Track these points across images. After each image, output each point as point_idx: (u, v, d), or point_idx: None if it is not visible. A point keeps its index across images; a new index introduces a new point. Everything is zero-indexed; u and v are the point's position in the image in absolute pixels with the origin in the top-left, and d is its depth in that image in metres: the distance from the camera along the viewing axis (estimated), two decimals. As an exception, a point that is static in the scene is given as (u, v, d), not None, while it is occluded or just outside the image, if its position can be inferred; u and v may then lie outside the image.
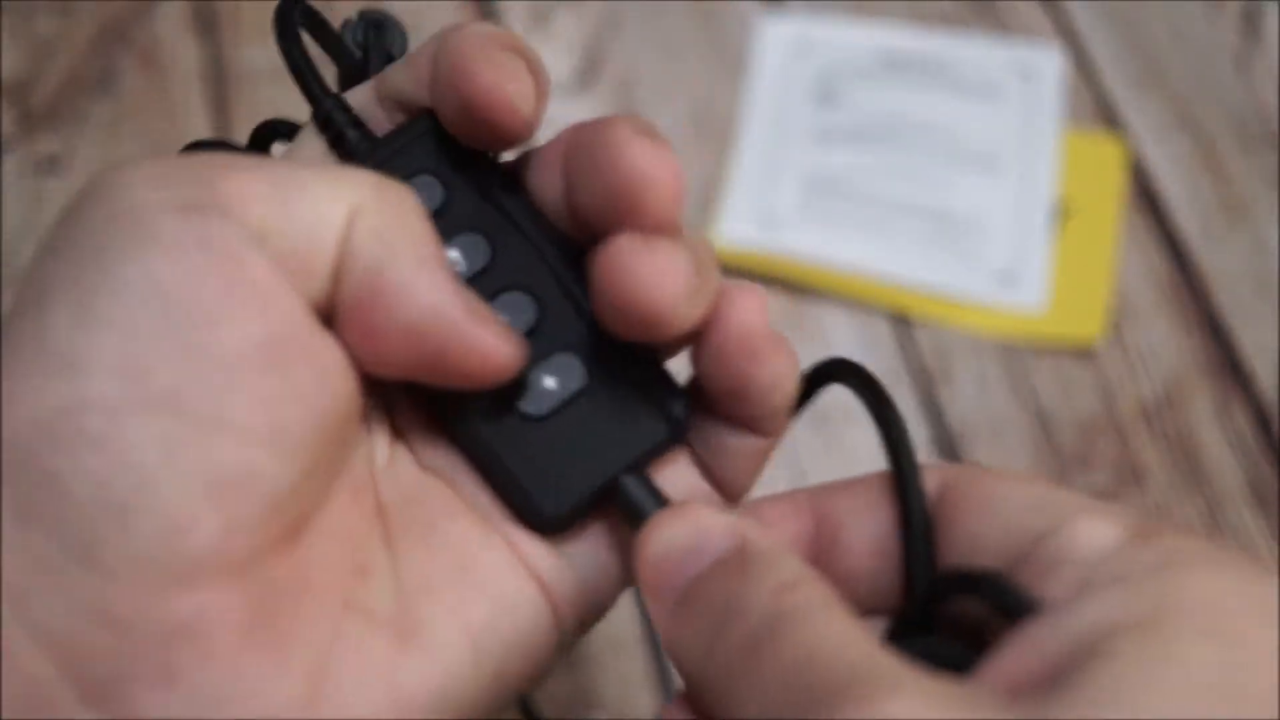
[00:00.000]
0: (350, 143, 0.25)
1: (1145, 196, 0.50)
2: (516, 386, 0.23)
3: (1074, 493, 0.21)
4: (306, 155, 0.25)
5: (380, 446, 0.24)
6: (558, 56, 0.52)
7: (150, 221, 0.19)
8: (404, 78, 0.25)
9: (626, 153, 0.22)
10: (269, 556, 0.20)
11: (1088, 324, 0.47)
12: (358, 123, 0.25)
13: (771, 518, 0.23)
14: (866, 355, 0.46)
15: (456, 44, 0.24)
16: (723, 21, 0.53)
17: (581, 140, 0.23)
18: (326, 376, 0.21)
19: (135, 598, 0.18)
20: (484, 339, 0.21)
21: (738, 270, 0.47)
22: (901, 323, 0.47)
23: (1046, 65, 0.53)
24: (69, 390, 0.18)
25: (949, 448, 0.45)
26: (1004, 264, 0.48)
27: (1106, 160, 0.51)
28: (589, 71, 0.52)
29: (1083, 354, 0.47)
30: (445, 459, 0.24)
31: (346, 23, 0.28)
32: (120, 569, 0.18)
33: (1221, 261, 0.48)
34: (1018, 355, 0.47)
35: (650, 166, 0.21)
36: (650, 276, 0.21)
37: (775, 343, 0.23)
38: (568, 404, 0.23)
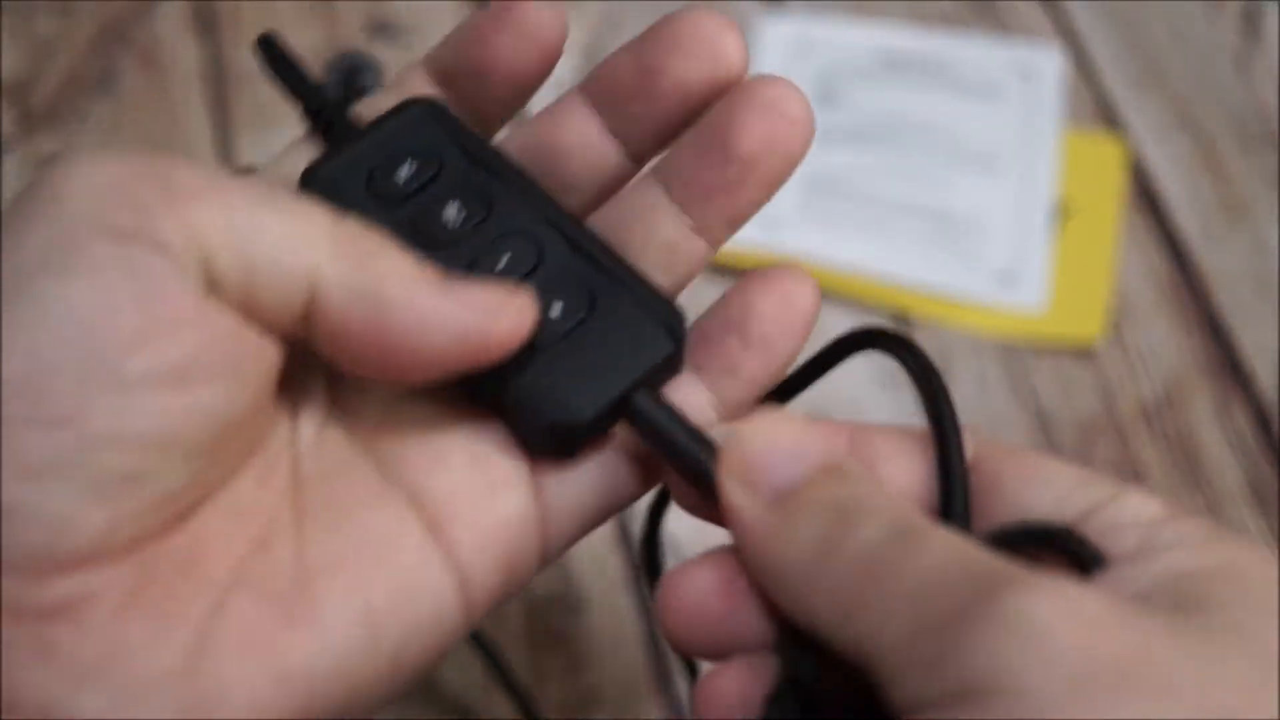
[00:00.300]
0: (339, 128, 0.26)
1: (1145, 196, 0.50)
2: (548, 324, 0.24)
3: (1106, 475, 0.22)
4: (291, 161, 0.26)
5: (311, 421, 0.24)
6: (558, 56, 0.52)
7: (81, 246, 0.20)
8: (446, 52, 0.27)
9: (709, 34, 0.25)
10: (158, 538, 0.21)
11: (1088, 324, 0.47)
12: (343, 111, 0.26)
13: (821, 440, 0.23)
14: (866, 355, 0.46)
15: (472, 15, 0.26)
16: (723, 21, 0.53)
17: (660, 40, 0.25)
18: (241, 389, 0.21)
19: (18, 586, 0.19)
20: (500, 327, 0.22)
21: (738, 271, 0.46)
22: (901, 323, 0.47)
23: (1046, 65, 0.53)
24: None
25: (949, 448, 0.45)
26: (1004, 264, 0.48)
27: (1106, 160, 0.51)
28: (589, 71, 0.52)
29: (1083, 354, 0.47)
30: (385, 434, 0.24)
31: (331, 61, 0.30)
32: (9, 563, 0.19)
33: (1221, 261, 0.48)
34: (1018, 355, 0.47)
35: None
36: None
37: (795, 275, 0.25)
38: (573, 331, 0.24)
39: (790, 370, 0.26)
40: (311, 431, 0.24)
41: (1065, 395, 0.46)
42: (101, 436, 0.20)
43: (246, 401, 0.22)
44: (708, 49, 0.25)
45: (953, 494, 0.22)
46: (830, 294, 0.47)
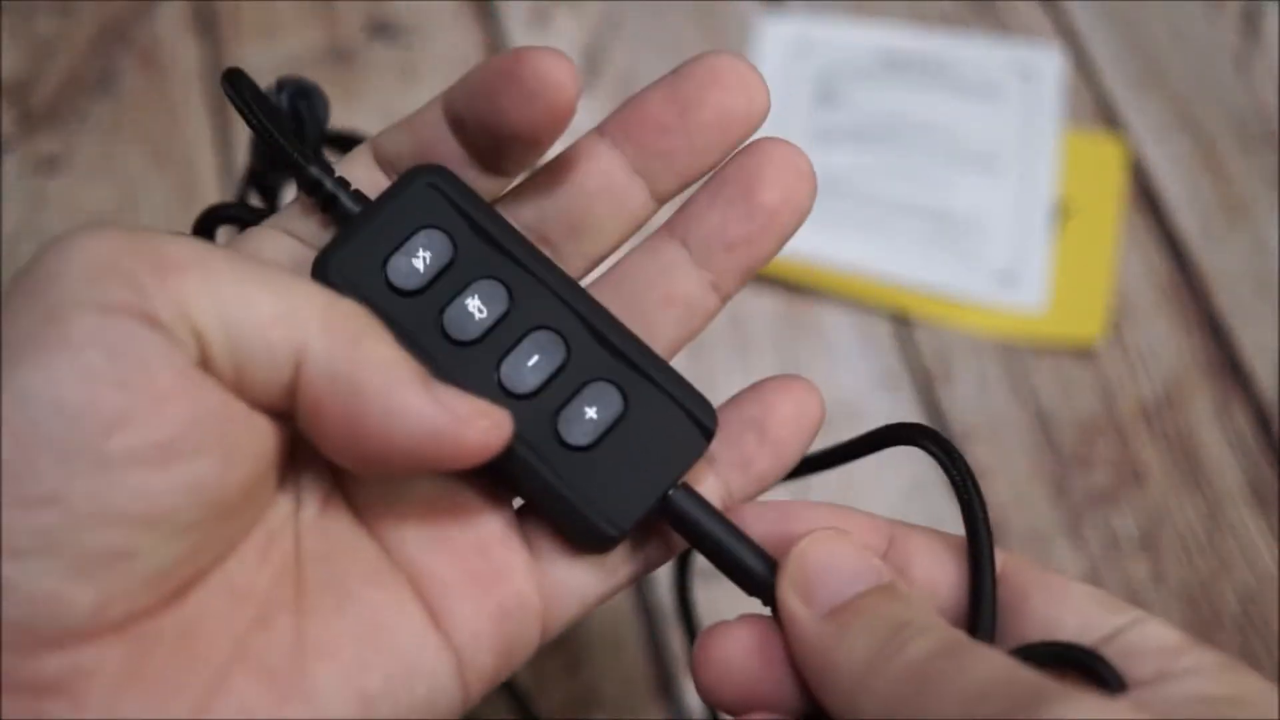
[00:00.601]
0: (343, 205, 0.25)
1: (1145, 196, 0.50)
2: (558, 419, 0.24)
3: (1124, 600, 0.24)
4: (288, 230, 0.25)
5: (313, 498, 0.24)
6: (558, 56, 0.52)
7: (67, 322, 0.20)
8: (404, 139, 0.26)
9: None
10: (153, 614, 0.21)
11: (1088, 324, 0.47)
12: (345, 183, 0.25)
13: (853, 526, 0.25)
14: (866, 355, 0.46)
15: (485, 61, 0.25)
16: (723, 21, 0.53)
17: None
18: (232, 464, 0.21)
19: (11, 661, 0.19)
20: (471, 436, 0.22)
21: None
22: (901, 323, 0.47)
23: (1046, 65, 0.53)
24: None
25: (949, 448, 0.45)
26: (1004, 264, 0.48)
27: (1106, 160, 0.51)
28: (589, 71, 0.52)
29: (1083, 354, 0.47)
30: (388, 514, 0.24)
31: (270, 90, 0.28)
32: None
33: (1221, 261, 0.48)
34: (1018, 355, 0.47)
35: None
36: None
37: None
38: (609, 430, 0.24)
39: (826, 449, 0.28)
40: (314, 508, 0.24)
41: (1065, 395, 0.46)
42: (86, 515, 0.20)
43: (240, 478, 0.21)
44: (743, 86, 0.25)
45: (982, 607, 0.24)
46: (830, 294, 0.47)
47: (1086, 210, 0.50)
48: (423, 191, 0.25)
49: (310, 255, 0.25)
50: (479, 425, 0.22)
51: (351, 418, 0.22)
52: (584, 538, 0.24)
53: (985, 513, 0.25)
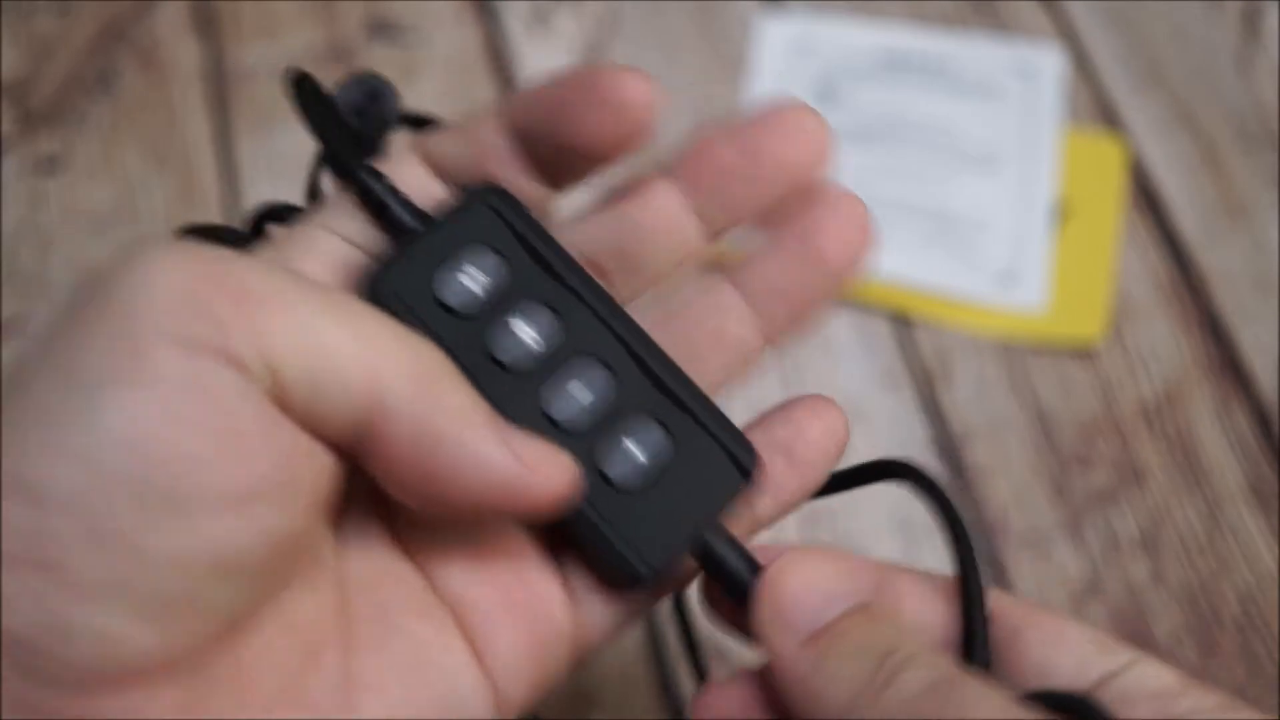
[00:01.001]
0: (398, 219, 0.24)
1: (1145, 196, 0.50)
2: (600, 453, 0.24)
3: (1119, 640, 0.24)
4: (340, 232, 0.25)
5: (358, 528, 0.24)
6: (558, 56, 0.52)
7: (148, 356, 0.19)
8: (458, 145, 0.25)
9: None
10: (208, 655, 0.20)
11: (1088, 324, 0.47)
12: (400, 195, 0.25)
13: (848, 577, 0.24)
14: (866, 355, 0.46)
15: (560, 75, 0.25)
16: (723, 21, 0.53)
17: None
18: (300, 506, 0.21)
19: (68, 700, 0.19)
20: (543, 486, 0.22)
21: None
22: (901, 323, 0.47)
23: (1046, 65, 0.53)
24: (25, 516, 0.19)
25: (949, 448, 0.45)
26: (1004, 264, 0.48)
27: (1106, 160, 0.51)
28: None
29: (1083, 354, 0.47)
30: (431, 544, 0.24)
31: (339, 86, 0.28)
32: (56, 677, 0.19)
33: (1222, 261, 0.48)
34: (1018, 355, 0.47)
35: None
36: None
37: None
38: (651, 467, 0.24)
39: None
40: (359, 537, 0.24)
41: (1065, 395, 0.46)
42: (158, 559, 0.19)
43: (305, 518, 0.21)
44: (811, 137, 0.26)
45: (974, 643, 0.23)
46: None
47: (1086, 210, 0.50)
48: (483, 213, 0.25)
49: (356, 256, 0.25)
50: (550, 475, 0.22)
51: (424, 462, 0.21)
52: (617, 575, 0.24)
53: (972, 550, 0.24)
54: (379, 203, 0.24)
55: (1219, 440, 0.45)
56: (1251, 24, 0.54)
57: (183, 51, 0.52)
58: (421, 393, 0.21)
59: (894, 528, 0.43)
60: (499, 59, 0.52)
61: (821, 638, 0.22)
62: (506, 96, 0.25)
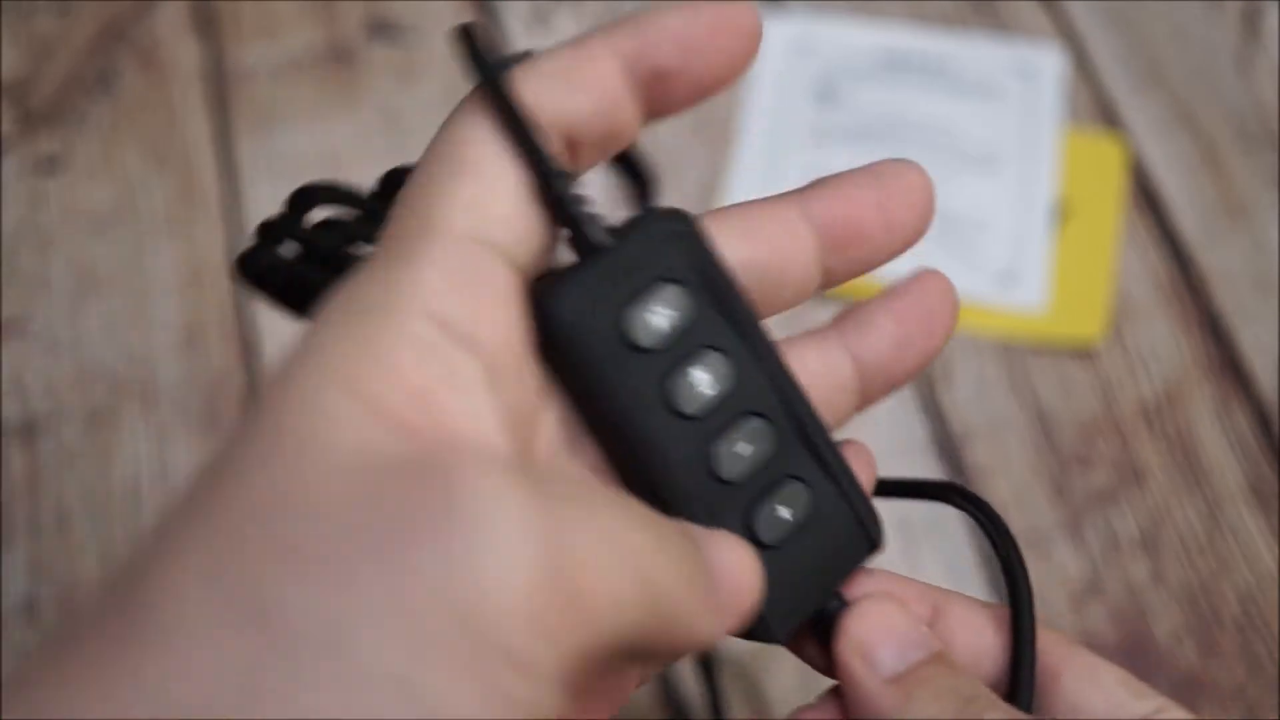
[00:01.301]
0: (589, 238, 0.23)
1: (1145, 196, 0.50)
2: (753, 512, 0.24)
3: (1147, 685, 0.25)
4: (498, 211, 0.22)
5: None
6: (558, 56, 0.52)
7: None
8: (575, 96, 0.23)
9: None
10: None
11: (1088, 324, 0.47)
12: (589, 207, 0.23)
13: (903, 594, 0.26)
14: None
15: (675, 12, 0.24)
16: (723, 21, 0.53)
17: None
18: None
19: None
20: (740, 610, 0.22)
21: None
22: (902, 323, 0.47)
23: (1046, 65, 0.53)
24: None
25: (949, 448, 0.45)
26: (1004, 264, 0.48)
27: (1106, 160, 0.51)
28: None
29: (1083, 354, 0.47)
30: None
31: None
32: None
33: (1222, 261, 0.48)
34: (1018, 355, 0.47)
35: None
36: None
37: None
38: (794, 529, 0.25)
39: (881, 479, 0.28)
40: None
41: (1065, 395, 0.46)
42: None
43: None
44: (930, 206, 0.28)
45: (1021, 688, 0.24)
46: (831, 294, 0.47)
47: (1086, 210, 0.50)
48: (667, 238, 0.24)
49: (488, 255, 0.22)
50: (747, 600, 0.22)
51: (656, 642, 0.21)
52: (752, 634, 0.24)
53: (1029, 587, 0.25)
54: (570, 218, 0.23)
55: (1219, 440, 0.45)
56: (1252, 24, 0.54)
57: (183, 51, 0.52)
58: (665, 603, 0.20)
59: (894, 528, 0.43)
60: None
61: (907, 680, 0.24)
62: (617, 25, 0.23)
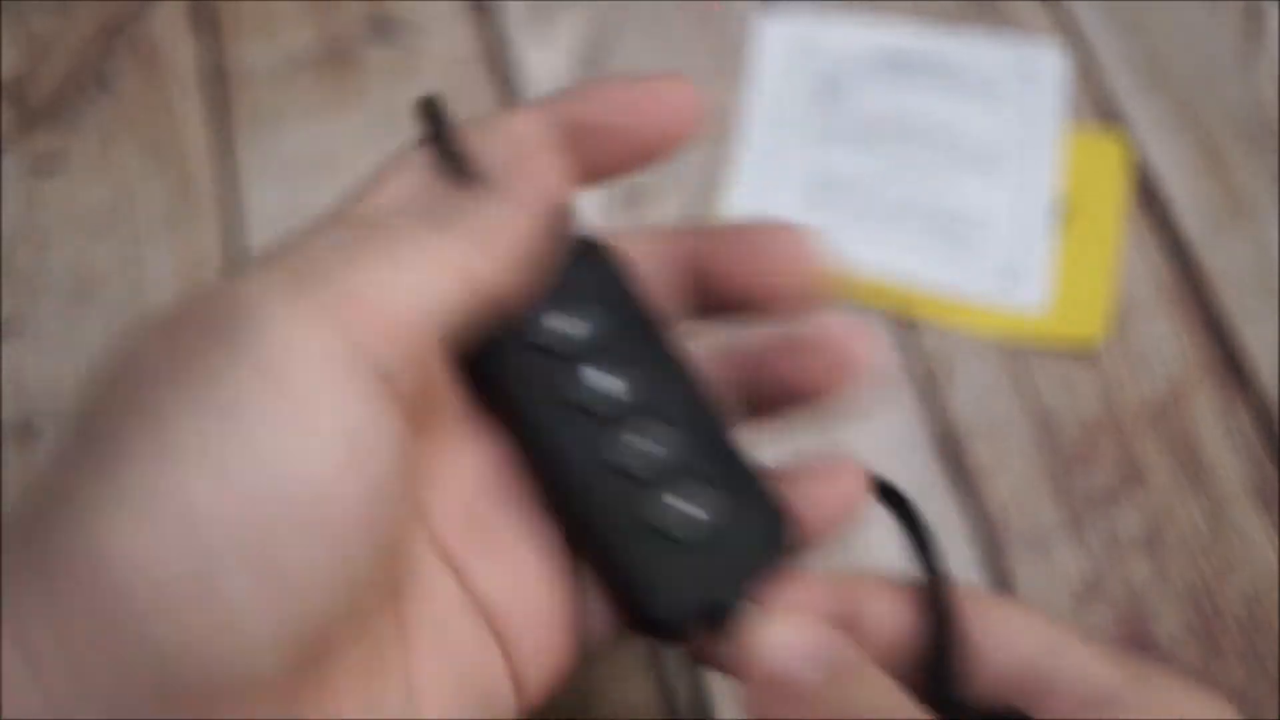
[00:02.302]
0: None
1: (1148, 196, 0.50)
2: (654, 503, 0.25)
3: (1070, 629, 0.24)
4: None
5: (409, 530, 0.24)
6: (558, 56, 0.52)
7: (280, 375, 0.20)
8: (567, 109, 0.26)
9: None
10: (310, 678, 0.21)
11: (1090, 324, 0.47)
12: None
13: (805, 595, 0.26)
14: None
15: (608, 82, 0.27)
16: (723, 21, 0.53)
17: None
18: (409, 517, 0.23)
19: (185, 713, 0.19)
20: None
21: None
22: (903, 322, 0.47)
23: (1048, 64, 0.52)
24: (182, 537, 0.19)
25: (950, 448, 0.45)
26: (1006, 263, 0.48)
27: (1109, 159, 0.50)
28: (589, 71, 0.52)
29: (1085, 354, 0.47)
30: (461, 544, 0.25)
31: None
32: (185, 691, 0.19)
33: (1224, 261, 0.48)
34: (1020, 355, 0.47)
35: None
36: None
37: None
38: (701, 529, 0.25)
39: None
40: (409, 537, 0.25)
41: (1067, 395, 0.46)
42: (299, 581, 0.20)
43: (411, 524, 0.23)
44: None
45: (945, 675, 0.24)
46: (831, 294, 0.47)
47: (1089, 209, 0.49)
48: (584, 265, 0.26)
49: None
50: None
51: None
52: (638, 618, 0.25)
53: (940, 560, 0.25)
54: None
55: (1221, 440, 0.45)
56: (1254, 23, 0.54)
57: (182, 51, 0.52)
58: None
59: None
60: (498, 59, 0.52)
61: (806, 699, 0.23)
62: (559, 92, 0.27)
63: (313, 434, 0.20)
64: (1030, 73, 0.52)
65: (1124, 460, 0.45)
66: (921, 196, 0.49)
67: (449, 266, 0.22)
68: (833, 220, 0.49)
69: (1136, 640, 0.41)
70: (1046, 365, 0.46)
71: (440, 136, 0.26)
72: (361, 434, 0.20)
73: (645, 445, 0.25)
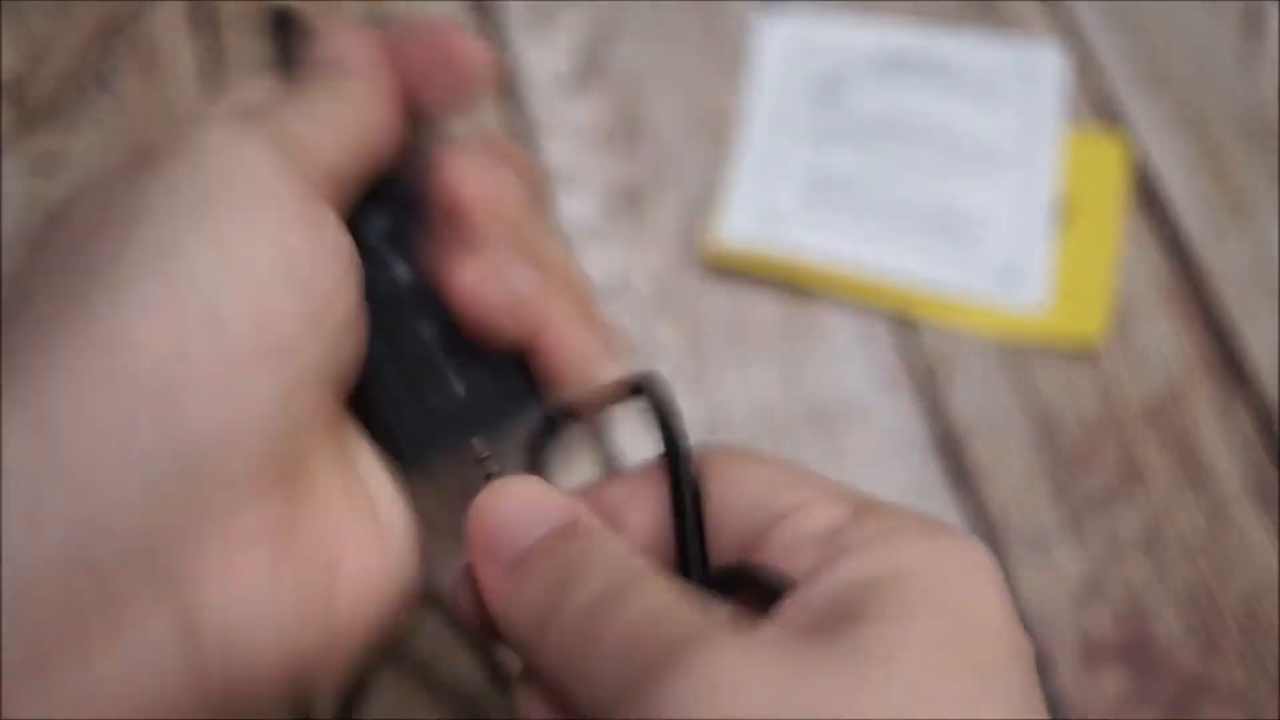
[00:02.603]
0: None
1: (1147, 195, 0.50)
2: (432, 373, 0.29)
3: (806, 472, 0.23)
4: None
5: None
6: (558, 56, 0.52)
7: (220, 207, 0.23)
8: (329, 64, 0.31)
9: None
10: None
11: (1090, 323, 0.47)
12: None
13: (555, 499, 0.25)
14: (866, 355, 0.46)
15: (428, 28, 0.31)
16: (723, 21, 0.53)
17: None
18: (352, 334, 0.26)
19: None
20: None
21: (738, 271, 0.46)
22: (903, 322, 0.47)
23: (1048, 64, 0.52)
24: (151, 368, 0.21)
25: (950, 447, 0.45)
26: (1005, 263, 0.48)
27: (1108, 159, 0.50)
28: (589, 71, 0.52)
29: (1085, 353, 0.47)
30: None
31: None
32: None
33: (1224, 260, 0.48)
34: (1019, 355, 0.47)
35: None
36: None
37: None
38: (454, 395, 0.29)
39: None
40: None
41: (1067, 395, 0.46)
42: (262, 401, 0.22)
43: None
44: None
45: (689, 559, 0.23)
46: (832, 293, 0.47)
47: (1088, 209, 0.49)
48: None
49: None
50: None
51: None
52: (395, 449, 0.28)
53: (681, 435, 0.25)
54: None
55: (1221, 440, 0.45)
56: (1254, 23, 0.54)
57: (181, 51, 0.52)
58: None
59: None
60: (498, 59, 0.52)
61: (521, 564, 0.22)
62: (385, 26, 0.31)
63: (251, 264, 0.22)
64: (1030, 73, 0.52)
65: (1124, 460, 0.45)
66: (921, 196, 0.49)
67: (339, 120, 0.25)
68: (833, 220, 0.49)
69: (1136, 640, 0.41)
70: (1046, 365, 0.46)
71: (290, 45, 0.31)
72: (300, 262, 0.22)
73: (422, 330, 0.29)
